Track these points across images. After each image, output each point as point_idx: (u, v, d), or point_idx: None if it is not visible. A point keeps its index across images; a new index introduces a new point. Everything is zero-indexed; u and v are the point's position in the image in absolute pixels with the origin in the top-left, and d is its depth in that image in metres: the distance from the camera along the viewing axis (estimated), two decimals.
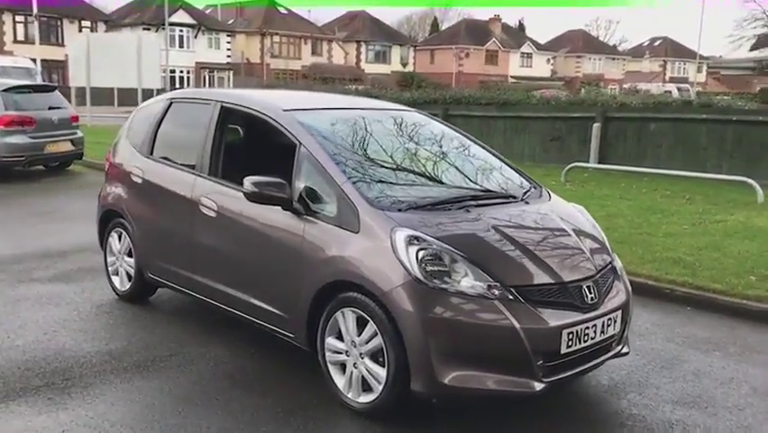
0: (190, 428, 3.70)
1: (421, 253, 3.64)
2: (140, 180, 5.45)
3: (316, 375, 4.23)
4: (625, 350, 4.18)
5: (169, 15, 40.78)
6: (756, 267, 6.56)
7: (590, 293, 3.84)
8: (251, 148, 5.57)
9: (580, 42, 76.10)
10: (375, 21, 67.03)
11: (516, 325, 3.53)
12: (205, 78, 53.37)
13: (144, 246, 5.42)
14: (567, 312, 3.70)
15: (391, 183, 4.28)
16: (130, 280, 5.71)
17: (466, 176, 4.68)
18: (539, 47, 73.36)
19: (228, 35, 56.13)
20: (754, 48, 74.84)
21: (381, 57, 64.70)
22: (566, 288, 3.77)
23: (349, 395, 3.91)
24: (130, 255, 5.67)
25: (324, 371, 4.05)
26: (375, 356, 3.76)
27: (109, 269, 5.94)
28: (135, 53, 20.39)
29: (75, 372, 4.37)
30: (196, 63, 53.05)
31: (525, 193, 4.62)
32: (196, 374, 4.40)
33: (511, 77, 67.63)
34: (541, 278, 3.76)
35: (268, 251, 4.32)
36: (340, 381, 3.97)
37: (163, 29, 39.31)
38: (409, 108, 5.63)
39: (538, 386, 3.58)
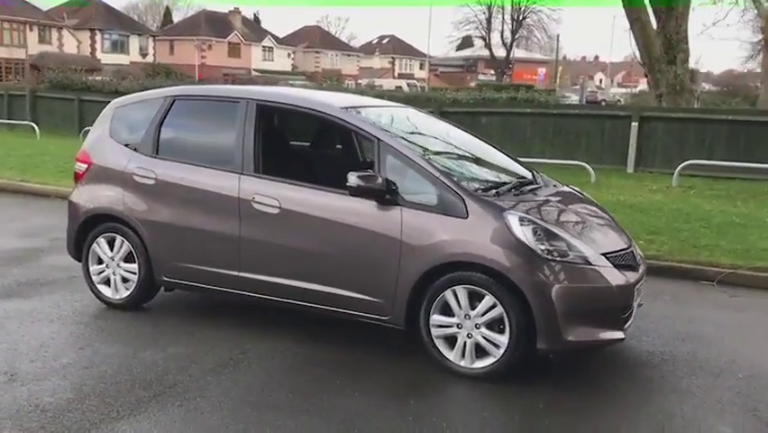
0: (347, 407, 3.92)
1: (535, 232, 4.26)
2: (151, 182, 5.25)
3: (404, 354, 4.69)
4: (642, 303, 5.17)
5: None
6: (638, 233, 8.08)
7: (636, 255, 4.77)
8: (305, 145, 5.64)
9: (317, 38, 78.76)
10: (109, 8, 62.85)
11: (613, 285, 4.32)
12: None
13: (160, 249, 5.24)
14: (631, 272, 4.56)
15: (466, 172, 4.82)
16: (127, 288, 5.45)
17: (500, 165, 5.35)
18: (279, 41, 74.50)
19: None
20: (459, 48, 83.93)
21: (119, 47, 60.94)
22: (627, 252, 4.65)
23: (461, 363, 4.39)
24: (126, 261, 5.42)
25: (429, 346, 4.47)
26: (492, 325, 4.30)
27: (94, 278, 5.58)
28: None
29: (169, 379, 4.25)
30: None
31: (539, 179, 5.41)
32: (291, 366, 4.53)
33: (254, 70, 67.91)
34: (614, 245, 4.60)
35: (357, 241, 4.57)
36: (449, 352, 4.42)
37: None
38: (406, 105, 6.11)
39: (621, 335, 4.41)
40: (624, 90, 66.94)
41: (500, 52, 73.35)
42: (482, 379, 4.33)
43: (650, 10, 14.20)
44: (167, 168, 5.23)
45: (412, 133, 5.13)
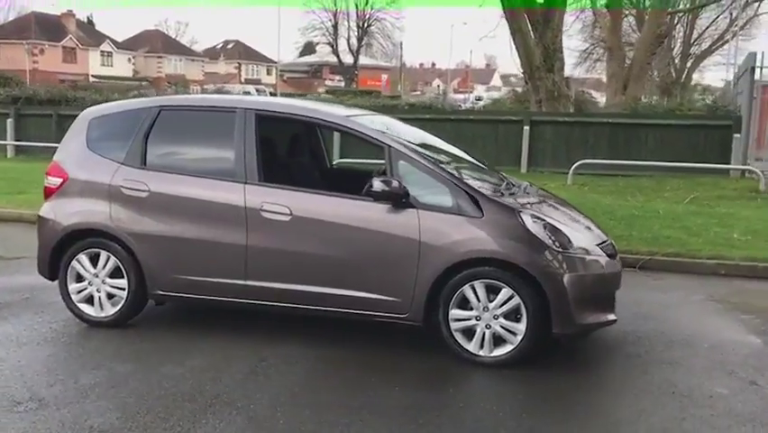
0: (397, 402, 4.13)
1: (544, 228, 4.68)
2: (143, 194, 5.12)
3: (416, 349, 4.98)
4: None
5: None
6: None
7: (614, 246, 5.33)
8: (311, 153, 5.68)
9: (159, 43, 75.90)
10: None
11: (608, 272, 4.84)
12: None
13: (155, 262, 5.12)
14: (614, 261, 5.11)
15: (468, 174, 5.13)
16: (114, 305, 5.28)
17: (480, 167, 5.73)
18: (118, 46, 71.05)
19: None
20: (302, 54, 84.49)
21: None
22: (609, 243, 5.18)
23: (480, 353, 4.71)
24: (112, 277, 5.26)
25: (448, 339, 4.75)
26: (508, 316, 4.65)
27: (74, 297, 5.34)
28: None
29: (209, 390, 4.24)
30: None
31: (512, 180, 5.86)
32: (318, 369, 4.65)
33: (92, 76, 64.18)
34: (600, 237, 5.12)
35: (374, 244, 4.76)
36: (467, 344, 4.73)
37: None
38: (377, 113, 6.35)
39: (615, 316, 4.93)
40: (463, 96, 70.14)
41: (347, 59, 74.70)
42: (501, 366, 4.68)
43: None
44: (161, 180, 5.13)
45: (407, 138, 5.38)
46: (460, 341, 4.75)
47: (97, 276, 5.27)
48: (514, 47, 15.35)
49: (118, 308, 5.28)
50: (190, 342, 5.07)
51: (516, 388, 4.46)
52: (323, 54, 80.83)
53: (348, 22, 74.09)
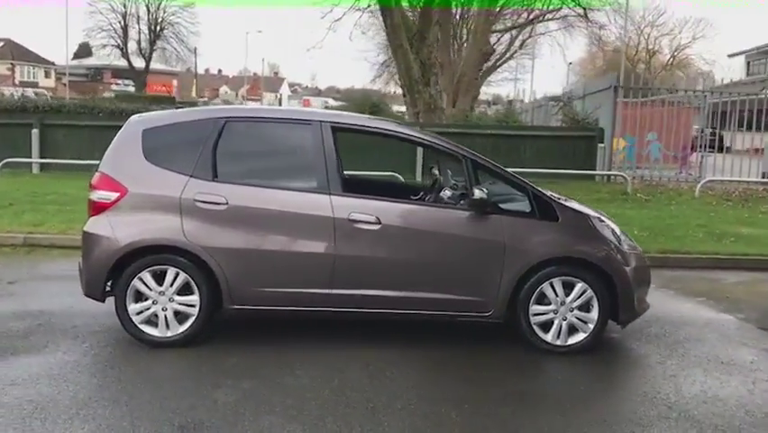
0: (509, 392, 4.55)
1: (609, 229, 5.34)
2: (221, 207, 4.99)
3: (490, 345, 5.44)
4: None
5: None
6: None
7: None
8: (384, 164, 5.70)
9: None
10: None
11: (648, 264, 5.62)
12: None
13: (235, 276, 5.01)
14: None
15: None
16: (181, 322, 5.08)
17: None
18: None
19: None
20: (77, 57, 79.47)
21: None
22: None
23: (557, 342, 5.25)
24: (180, 294, 5.06)
25: (528, 332, 5.23)
26: (582, 307, 5.24)
27: (134, 318, 5.05)
28: None
29: (352, 397, 4.34)
30: None
31: None
32: (422, 368, 4.93)
33: None
34: (628, 235, 5.88)
35: (461, 248, 5.11)
36: (545, 335, 5.24)
37: None
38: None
39: (649, 303, 5.72)
40: (257, 104, 69.91)
41: (138, 62, 71.23)
42: (574, 354, 5.24)
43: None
44: (239, 192, 5.04)
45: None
46: (538, 333, 5.24)
47: (163, 294, 5.03)
48: (396, 62, 16.09)
49: (187, 326, 5.08)
50: (282, 354, 5.01)
51: (600, 370, 5.10)
52: (105, 57, 76.22)
53: (138, 24, 70.67)
